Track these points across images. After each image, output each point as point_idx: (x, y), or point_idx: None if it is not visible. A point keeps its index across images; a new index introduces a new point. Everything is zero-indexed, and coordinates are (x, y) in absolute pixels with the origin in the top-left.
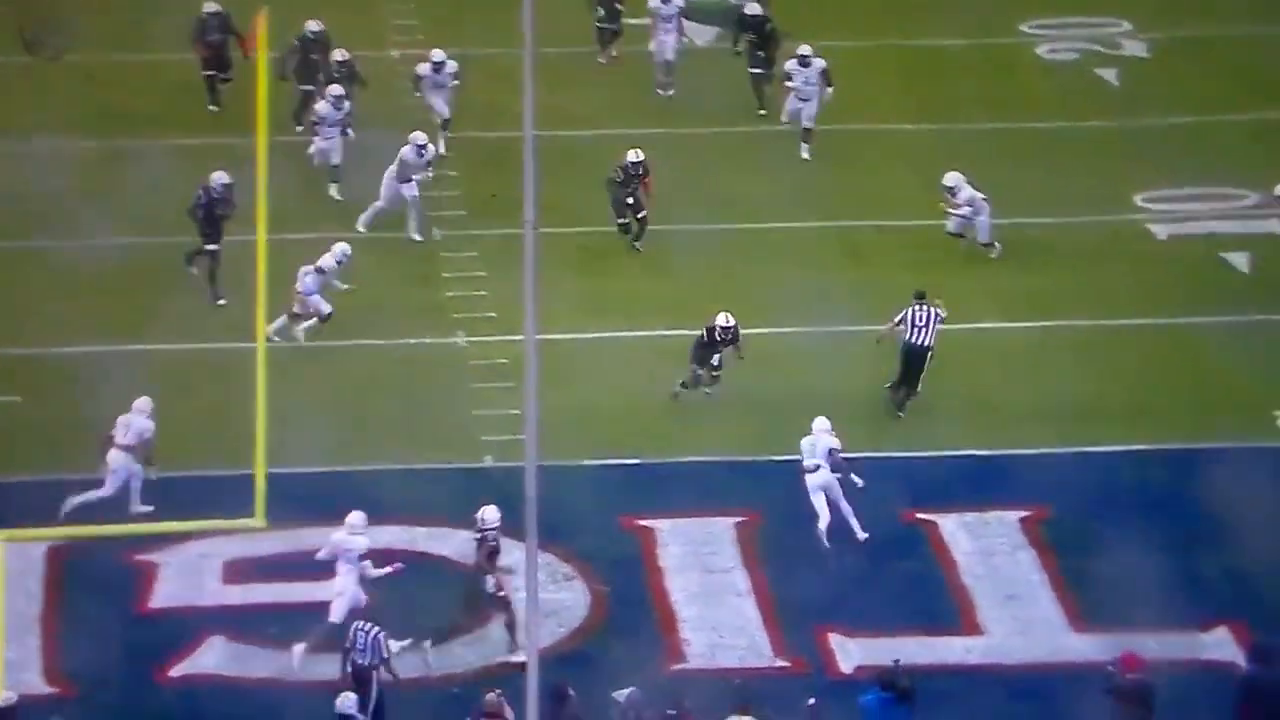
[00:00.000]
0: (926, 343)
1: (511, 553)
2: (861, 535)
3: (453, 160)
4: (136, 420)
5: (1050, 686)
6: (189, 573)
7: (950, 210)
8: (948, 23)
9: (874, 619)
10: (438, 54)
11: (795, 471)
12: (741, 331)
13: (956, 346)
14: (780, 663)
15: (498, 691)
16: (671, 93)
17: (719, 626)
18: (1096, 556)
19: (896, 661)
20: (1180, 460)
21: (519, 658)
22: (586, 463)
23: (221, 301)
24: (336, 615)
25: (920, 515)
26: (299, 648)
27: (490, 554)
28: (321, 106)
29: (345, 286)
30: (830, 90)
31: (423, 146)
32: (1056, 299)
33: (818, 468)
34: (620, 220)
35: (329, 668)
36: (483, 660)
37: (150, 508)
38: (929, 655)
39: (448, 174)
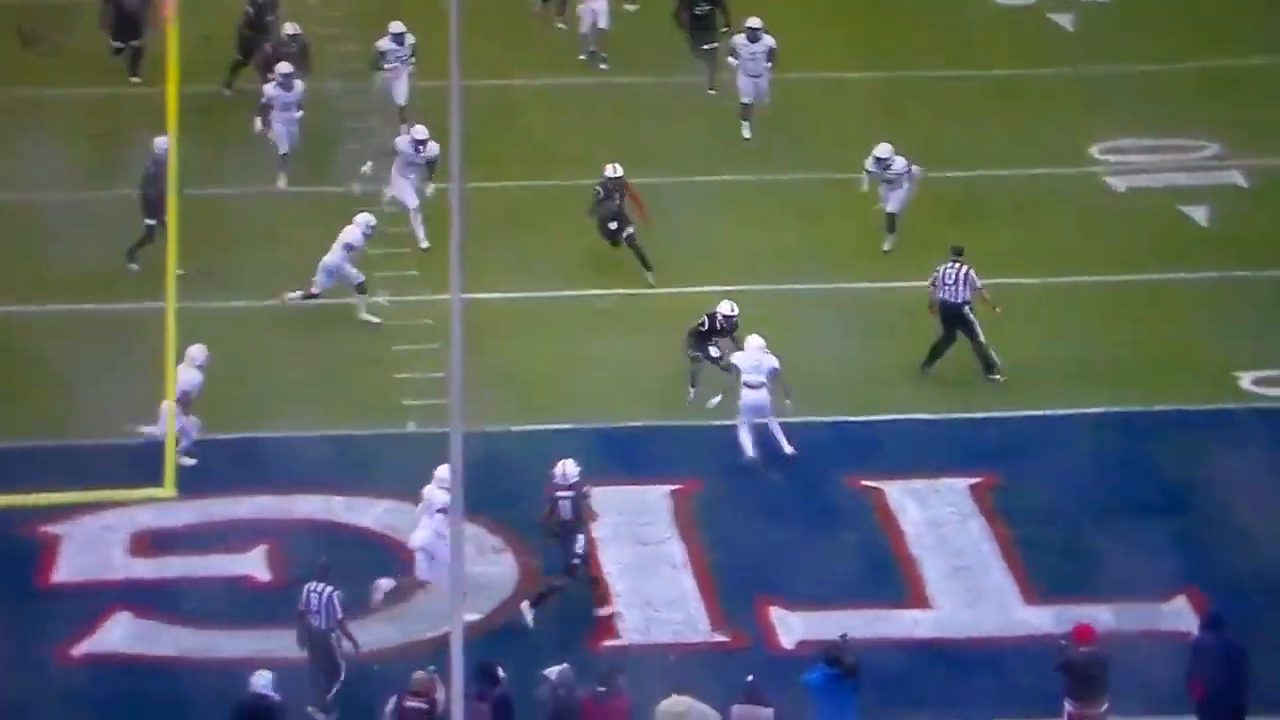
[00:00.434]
0: (959, 299)
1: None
2: (789, 450)
3: (375, 110)
4: (184, 372)
5: (1001, 661)
6: (94, 545)
7: (876, 175)
8: None
9: (817, 591)
10: (397, 25)
11: (733, 438)
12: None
13: (902, 305)
14: (718, 637)
15: (429, 669)
16: (604, 66)
17: (653, 600)
18: (1050, 525)
19: (843, 636)
20: (1137, 424)
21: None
22: (515, 428)
23: (134, 267)
24: (422, 573)
25: (865, 482)
26: (381, 587)
27: (581, 512)
28: (269, 88)
29: (386, 300)
30: (770, 67)
31: (421, 142)
32: (1008, 255)
33: (761, 385)
34: (611, 241)
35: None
36: (405, 636)
37: (193, 460)
38: (874, 629)
39: (369, 125)
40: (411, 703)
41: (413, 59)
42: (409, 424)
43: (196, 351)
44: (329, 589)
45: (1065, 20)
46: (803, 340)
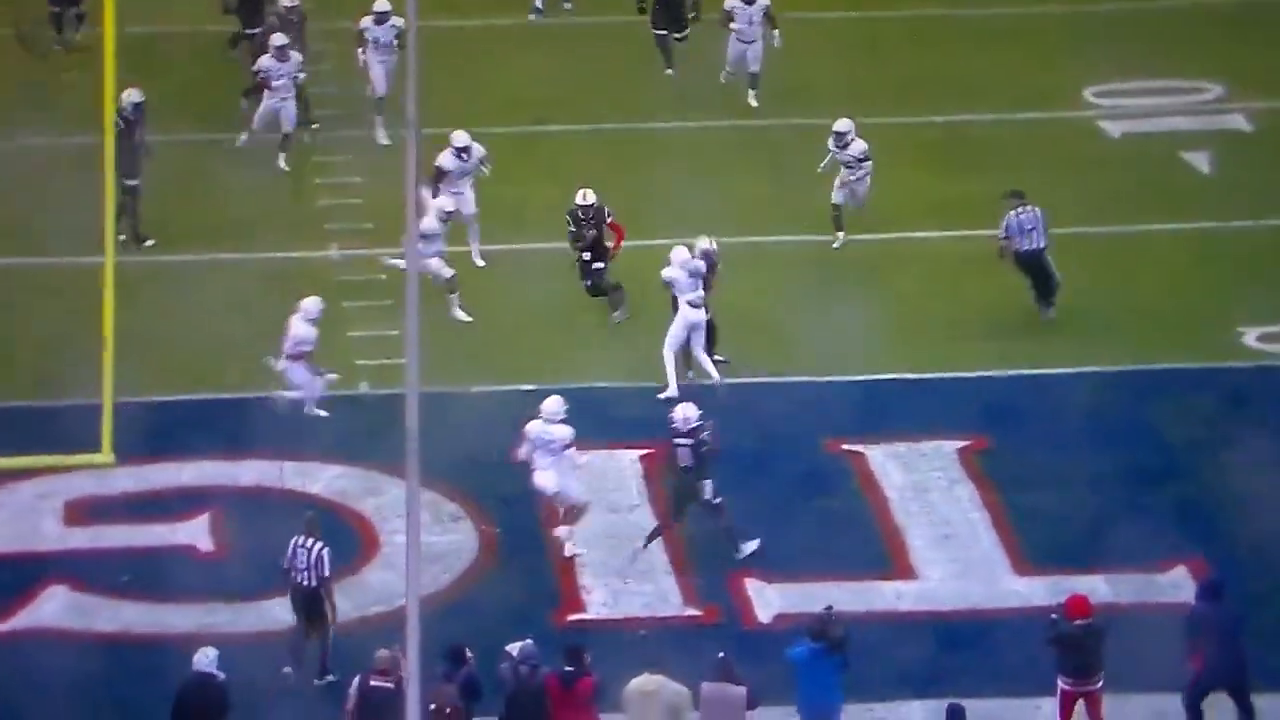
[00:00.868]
0: (1038, 245)
1: (389, 490)
2: (716, 378)
3: (327, 52)
4: (295, 326)
5: (991, 634)
6: (26, 514)
7: (835, 154)
8: None
9: (795, 562)
10: (382, 4)
11: (707, 397)
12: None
13: (884, 258)
14: (690, 611)
15: (394, 647)
16: (568, 6)
17: (622, 571)
18: (1042, 490)
19: (829, 608)
20: (1136, 383)
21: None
22: (474, 389)
23: (150, 243)
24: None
25: (846, 446)
26: (564, 532)
27: (704, 457)
28: (265, 60)
29: (465, 317)
30: (777, 34)
31: (463, 149)
32: (995, 206)
33: (701, 304)
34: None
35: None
36: (359, 610)
37: (324, 413)
38: (856, 602)
39: (321, 68)
40: (377, 681)
41: (397, 43)
42: (362, 385)
43: (311, 304)
44: (318, 544)
45: None
46: (778, 296)
